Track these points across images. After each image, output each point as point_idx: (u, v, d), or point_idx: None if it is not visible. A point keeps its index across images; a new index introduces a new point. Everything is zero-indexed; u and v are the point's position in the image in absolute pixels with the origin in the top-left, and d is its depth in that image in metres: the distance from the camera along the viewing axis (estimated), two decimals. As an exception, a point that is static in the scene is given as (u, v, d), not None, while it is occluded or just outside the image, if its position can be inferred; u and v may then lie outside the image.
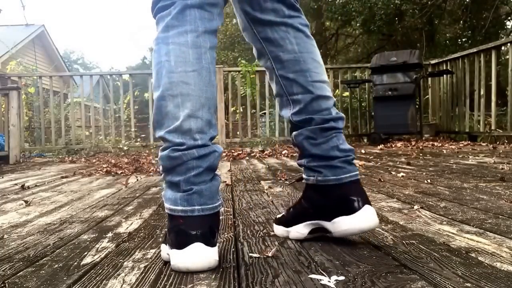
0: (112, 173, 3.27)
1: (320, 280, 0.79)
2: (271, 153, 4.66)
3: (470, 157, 3.35)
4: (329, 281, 0.78)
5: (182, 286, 0.80)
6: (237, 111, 6.14)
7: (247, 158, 4.44)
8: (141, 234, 1.26)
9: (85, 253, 1.06)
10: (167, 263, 0.94)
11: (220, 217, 1.17)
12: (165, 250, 0.94)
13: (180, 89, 0.91)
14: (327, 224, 1.03)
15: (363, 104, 6.35)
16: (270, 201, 1.75)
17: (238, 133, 6.14)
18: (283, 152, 4.62)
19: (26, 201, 1.97)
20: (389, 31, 13.25)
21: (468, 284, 0.75)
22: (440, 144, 4.87)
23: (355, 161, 1.07)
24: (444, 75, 5.90)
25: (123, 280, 0.85)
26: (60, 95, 6.15)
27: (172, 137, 0.90)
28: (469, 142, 5.14)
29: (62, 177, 3.10)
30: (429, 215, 1.35)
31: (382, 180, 2.23)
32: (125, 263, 0.96)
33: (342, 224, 1.00)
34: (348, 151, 1.04)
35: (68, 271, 0.92)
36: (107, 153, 5.61)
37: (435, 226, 1.20)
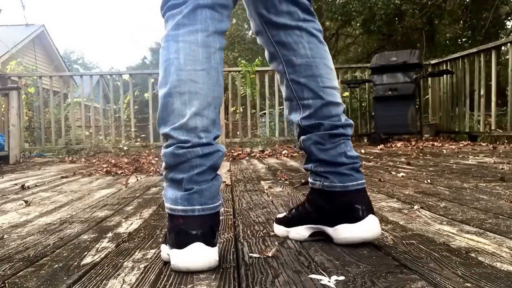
0: (112, 173, 3.27)
1: (320, 280, 0.79)
2: (271, 153, 4.67)
3: (470, 157, 3.35)
4: (329, 281, 0.78)
5: (182, 286, 0.80)
6: (237, 111, 6.14)
7: (247, 158, 4.44)
8: (141, 234, 1.26)
9: (85, 253, 1.06)
10: (167, 263, 0.94)
11: (220, 217, 1.17)
12: (165, 250, 0.94)
13: (188, 87, 0.91)
14: (329, 230, 1.04)
15: (363, 104, 6.35)
16: (270, 201, 1.75)
17: (238, 133, 6.14)
18: (283, 152, 4.62)
19: (26, 201, 1.97)
20: (389, 31, 13.26)
21: (468, 284, 0.75)
22: (440, 144, 4.87)
23: None
24: (444, 75, 5.90)
25: (123, 280, 0.85)
26: (60, 95, 6.15)
27: (177, 134, 0.90)
28: (469, 142, 5.14)
29: (62, 177, 3.10)
30: (429, 215, 1.35)
31: (382, 180, 2.24)
32: (125, 263, 0.96)
33: (344, 232, 1.00)
34: (356, 158, 1.05)
35: (68, 271, 0.92)
36: (107, 153, 5.61)
37: (435, 226, 1.20)
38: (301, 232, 1.09)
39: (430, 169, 2.66)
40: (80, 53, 64.43)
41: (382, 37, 13.93)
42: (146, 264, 0.95)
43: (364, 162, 3.26)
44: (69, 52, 46.67)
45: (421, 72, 5.50)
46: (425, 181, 2.12)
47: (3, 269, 0.96)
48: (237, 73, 6.15)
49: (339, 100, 1.08)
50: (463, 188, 1.85)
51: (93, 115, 6.42)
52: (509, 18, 14.31)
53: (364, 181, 1.04)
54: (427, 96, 6.40)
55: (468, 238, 1.05)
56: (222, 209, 1.12)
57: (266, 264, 0.91)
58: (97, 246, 1.13)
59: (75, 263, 0.98)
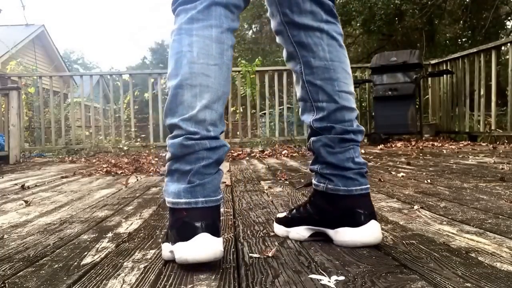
0: (112, 173, 3.27)
1: (320, 280, 0.80)
2: (271, 153, 4.67)
3: (470, 157, 3.35)
4: (329, 281, 0.79)
5: (182, 287, 0.80)
6: (237, 111, 6.14)
7: (247, 158, 4.44)
8: (141, 234, 1.26)
9: (85, 253, 1.06)
10: (167, 263, 0.94)
11: (220, 218, 1.17)
12: (167, 248, 0.94)
13: (200, 80, 0.91)
14: (329, 232, 1.05)
15: (363, 104, 6.35)
16: (270, 201, 1.75)
17: (238, 133, 6.14)
18: (283, 152, 4.62)
19: (26, 201, 1.97)
20: (389, 31, 13.26)
21: (468, 284, 0.75)
22: (440, 144, 4.88)
23: None
24: (444, 75, 5.91)
25: (123, 280, 0.85)
26: (60, 95, 6.15)
27: (186, 125, 0.90)
28: (469, 142, 5.14)
29: (62, 177, 3.10)
30: (429, 215, 1.35)
31: (382, 180, 2.24)
32: (125, 263, 0.96)
33: (345, 235, 1.01)
34: (363, 164, 1.05)
35: (68, 271, 0.92)
36: (107, 153, 5.60)
37: (435, 226, 1.20)
38: (301, 232, 1.09)
39: (430, 169, 2.66)
40: (80, 53, 64.52)
41: (382, 37, 13.93)
42: (146, 264, 0.95)
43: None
44: (69, 52, 46.73)
45: (421, 72, 5.50)
46: (425, 181, 2.12)
47: (3, 269, 0.96)
48: (237, 73, 6.15)
49: (354, 105, 1.08)
50: (463, 188, 1.85)
51: (93, 115, 6.42)
52: (509, 18, 14.32)
53: (368, 186, 1.05)
54: (427, 96, 6.40)
55: (468, 238, 1.05)
56: (222, 209, 1.12)
57: (266, 264, 0.91)
58: (97, 246, 1.13)
59: (75, 263, 0.98)
